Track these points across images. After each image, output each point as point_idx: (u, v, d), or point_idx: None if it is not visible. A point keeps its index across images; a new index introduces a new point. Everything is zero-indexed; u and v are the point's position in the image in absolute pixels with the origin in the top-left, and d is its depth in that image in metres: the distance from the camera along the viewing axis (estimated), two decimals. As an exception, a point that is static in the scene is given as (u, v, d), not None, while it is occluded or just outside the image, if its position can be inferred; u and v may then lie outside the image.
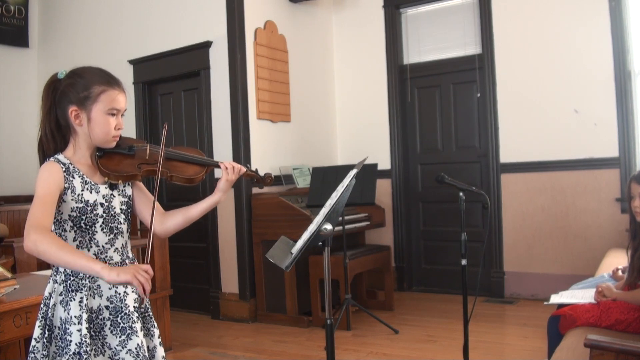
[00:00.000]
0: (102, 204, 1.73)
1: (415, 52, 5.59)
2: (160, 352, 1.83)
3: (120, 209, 1.78)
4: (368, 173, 4.23)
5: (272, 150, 5.02)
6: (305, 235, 1.73)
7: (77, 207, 1.68)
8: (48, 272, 1.96)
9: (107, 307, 1.71)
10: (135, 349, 1.70)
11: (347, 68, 5.84)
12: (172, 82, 5.25)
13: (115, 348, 1.70)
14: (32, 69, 6.07)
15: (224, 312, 4.84)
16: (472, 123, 5.30)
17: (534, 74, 4.88)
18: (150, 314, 1.84)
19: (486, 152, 5.16)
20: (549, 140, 4.82)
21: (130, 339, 1.71)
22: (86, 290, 1.67)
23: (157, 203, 1.83)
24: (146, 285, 1.48)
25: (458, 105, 5.39)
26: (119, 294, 1.73)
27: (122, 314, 1.72)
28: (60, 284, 1.68)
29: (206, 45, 4.88)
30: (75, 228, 1.69)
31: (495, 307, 4.77)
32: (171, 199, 5.11)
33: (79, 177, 1.71)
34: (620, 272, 2.82)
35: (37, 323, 1.68)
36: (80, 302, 1.66)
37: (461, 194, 2.94)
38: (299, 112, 5.34)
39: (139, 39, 5.34)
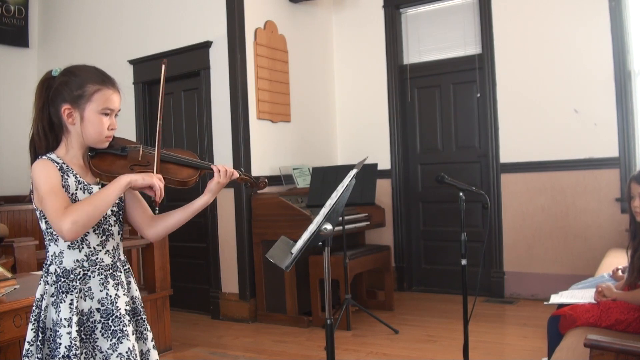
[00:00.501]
0: None
1: (415, 52, 5.59)
2: (154, 355, 1.80)
3: (112, 210, 1.75)
4: (368, 173, 4.23)
5: (272, 150, 5.02)
6: (305, 235, 1.73)
7: None
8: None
9: (98, 310, 1.68)
10: (126, 352, 1.67)
11: (347, 68, 5.85)
12: (172, 82, 5.24)
13: (106, 352, 1.66)
14: (32, 69, 6.07)
15: (224, 312, 4.84)
16: (472, 123, 5.31)
17: (534, 74, 4.88)
18: (144, 317, 1.81)
19: (486, 152, 5.16)
20: (549, 140, 4.82)
21: (121, 343, 1.67)
22: (77, 293, 1.65)
23: (146, 206, 1.83)
24: (162, 191, 1.67)
25: (458, 105, 5.39)
26: (110, 296, 1.70)
27: (113, 317, 1.69)
28: (51, 285, 1.66)
29: (206, 45, 4.88)
30: None
31: (495, 307, 4.77)
32: (171, 199, 5.11)
33: (73, 176, 1.68)
34: (620, 272, 2.82)
35: (30, 326, 1.65)
36: (71, 304, 1.63)
37: (461, 194, 2.94)
38: (299, 112, 5.34)
39: (139, 39, 5.34)
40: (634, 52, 4.53)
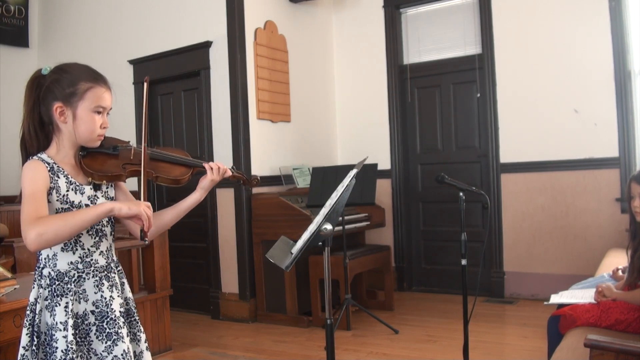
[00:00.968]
0: (87, 206, 1.67)
1: (415, 52, 5.59)
2: (147, 357, 1.78)
3: None
4: (368, 173, 4.23)
5: (272, 150, 5.02)
6: (305, 235, 1.73)
7: (62, 209, 1.63)
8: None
9: (92, 312, 1.66)
10: (122, 355, 1.66)
11: (347, 68, 5.85)
12: (172, 82, 5.25)
13: (101, 354, 1.65)
14: (32, 69, 5.96)
15: (224, 312, 4.84)
16: (472, 123, 5.30)
17: (534, 74, 4.88)
18: (137, 318, 1.79)
19: (486, 152, 5.16)
20: (549, 140, 4.82)
21: (117, 345, 1.66)
22: (72, 295, 1.62)
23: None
24: (151, 220, 1.60)
25: (458, 105, 5.39)
26: (105, 298, 1.68)
27: (108, 319, 1.67)
28: (45, 289, 1.63)
29: (206, 45, 4.88)
30: None
31: (495, 307, 4.77)
32: (171, 199, 5.11)
33: (64, 177, 1.65)
34: (620, 272, 2.82)
35: (25, 330, 1.62)
36: (66, 307, 1.61)
37: (461, 194, 2.94)
38: (299, 112, 5.34)
39: (139, 39, 5.34)
40: (634, 52, 4.53)
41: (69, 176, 1.67)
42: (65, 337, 1.58)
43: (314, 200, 4.33)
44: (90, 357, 1.65)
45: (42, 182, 1.59)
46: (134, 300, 1.81)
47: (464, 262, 2.93)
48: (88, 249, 1.68)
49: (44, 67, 1.69)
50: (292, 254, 1.72)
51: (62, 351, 1.58)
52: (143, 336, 1.79)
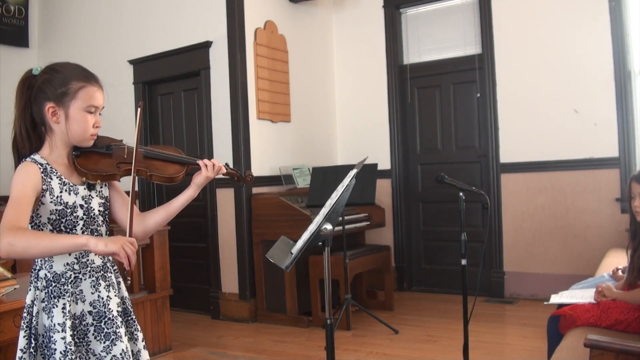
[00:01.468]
0: (81, 206, 1.67)
1: (415, 52, 5.59)
2: (145, 355, 1.78)
3: (99, 210, 1.72)
4: (368, 173, 4.23)
5: (272, 150, 5.02)
6: (305, 235, 1.73)
7: (56, 210, 1.62)
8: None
9: (90, 313, 1.66)
10: (120, 354, 1.66)
11: (347, 68, 5.84)
12: (172, 82, 5.25)
13: (99, 354, 1.65)
14: None
15: (224, 312, 4.84)
16: (472, 123, 5.30)
17: (534, 74, 4.88)
18: (134, 317, 1.79)
19: (486, 152, 5.16)
20: (548, 140, 4.82)
21: (115, 345, 1.66)
22: (69, 296, 1.62)
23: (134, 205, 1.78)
24: (132, 258, 1.49)
25: (458, 105, 5.39)
26: (102, 298, 1.68)
27: (106, 319, 1.67)
28: (42, 291, 1.62)
29: (206, 45, 4.88)
30: (55, 232, 1.63)
31: (495, 307, 4.77)
32: (171, 197, 5.11)
33: (57, 178, 1.64)
34: (620, 272, 2.82)
35: (22, 333, 1.61)
36: (64, 308, 1.60)
37: (461, 194, 2.94)
38: (299, 112, 5.34)
39: (139, 39, 5.34)
40: (634, 52, 4.53)
41: (62, 177, 1.66)
42: (63, 338, 1.58)
43: (314, 200, 4.33)
44: (89, 358, 1.65)
45: (31, 187, 1.57)
46: (130, 299, 1.81)
47: (464, 262, 2.93)
48: (84, 250, 1.67)
49: (34, 67, 1.67)
50: (292, 254, 1.72)
51: (60, 352, 1.57)
52: (140, 335, 1.79)
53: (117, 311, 1.71)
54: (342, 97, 5.88)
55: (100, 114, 1.71)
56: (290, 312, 4.51)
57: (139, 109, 1.73)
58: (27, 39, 6.10)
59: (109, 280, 1.73)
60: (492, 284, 5.09)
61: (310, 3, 5.48)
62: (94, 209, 1.71)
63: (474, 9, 5.20)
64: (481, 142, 5.25)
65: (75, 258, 1.66)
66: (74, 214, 1.65)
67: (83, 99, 1.64)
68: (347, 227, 4.43)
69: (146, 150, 1.79)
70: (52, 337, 1.59)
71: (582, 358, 1.98)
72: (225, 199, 4.80)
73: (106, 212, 1.76)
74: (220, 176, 1.91)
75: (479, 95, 5.19)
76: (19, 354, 1.61)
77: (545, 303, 2.82)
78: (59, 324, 1.59)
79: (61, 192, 1.64)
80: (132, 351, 1.74)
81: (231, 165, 1.96)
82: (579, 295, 2.72)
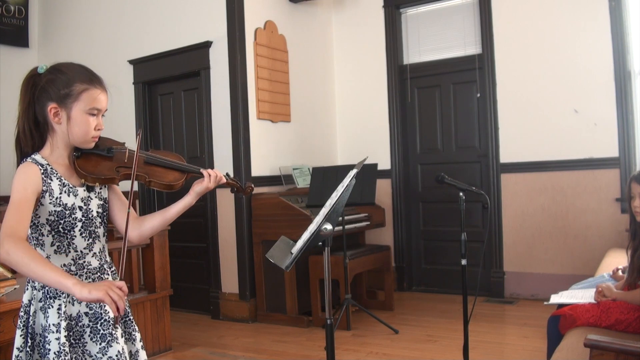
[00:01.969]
0: (80, 208, 1.67)
1: (415, 52, 5.59)
2: (142, 356, 1.78)
3: (97, 212, 1.72)
4: (368, 173, 4.23)
5: (272, 150, 5.02)
6: (305, 235, 1.73)
7: (55, 211, 1.62)
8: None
9: (86, 314, 1.66)
10: (116, 356, 1.65)
11: (347, 68, 5.84)
12: (172, 82, 5.25)
13: (95, 355, 1.64)
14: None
15: (224, 312, 4.84)
16: (472, 123, 5.30)
17: (534, 74, 4.88)
18: (131, 318, 1.79)
19: (486, 152, 5.16)
20: (548, 140, 4.82)
21: (111, 346, 1.65)
22: (65, 297, 1.62)
23: (131, 208, 1.78)
24: (119, 303, 1.41)
25: (458, 105, 5.39)
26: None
27: (102, 321, 1.67)
28: (39, 290, 1.62)
29: (206, 45, 4.88)
30: (53, 232, 1.63)
31: (495, 307, 4.77)
32: (173, 200, 5.11)
33: (57, 179, 1.64)
34: (620, 272, 2.82)
35: (19, 332, 1.61)
36: (59, 309, 1.60)
37: (461, 194, 2.94)
38: (299, 112, 5.34)
39: (139, 39, 5.34)
40: (634, 52, 4.53)
41: (62, 178, 1.66)
42: (57, 339, 1.58)
43: (314, 200, 4.33)
44: (85, 359, 1.65)
45: (32, 190, 1.58)
46: (127, 300, 1.81)
47: (464, 262, 2.93)
48: (81, 251, 1.67)
49: (40, 65, 1.67)
50: (292, 254, 1.72)
51: (54, 353, 1.57)
52: (138, 335, 1.79)
53: None
54: (342, 97, 5.88)
55: (103, 115, 1.71)
56: (290, 312, 4.51)
57: (137, 137, 1.72)
58: (27, 39, 6.10)
59: None
60: (492, 284, 5.09)
61: (310, 3, 5.48)
62: (92, 211, 1.71)
63: (474, 9, 5.20)
64: (481, 142, 5.25)
65: (72, 260, 1.66)
66: (73, 216, 1.65)
67: (86, 101, 1.64)
68: (347, 227, 4.43)
69: (147, 155, 1.78)
70: (47, 337, 1.59)
71: (582, 358, 1.98)
72: (225, 199, 4.79)
73: (105, 213, 1.76)
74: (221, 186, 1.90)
75: (479, 95, 5.19)
76: (15, 352, 1.60)
77: (545, 303, 2.82)
78: (53, 324, 1.59)
79: (60, 193, 1.64)
80: (129, 352, 1.74)
81: (232, 175, 1.95)
82: (579, 295, 2.72)
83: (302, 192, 4.74)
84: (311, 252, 4.42)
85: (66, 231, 1.64)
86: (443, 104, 5.47)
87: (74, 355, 1.62)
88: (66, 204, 1.64)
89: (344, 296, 4.26)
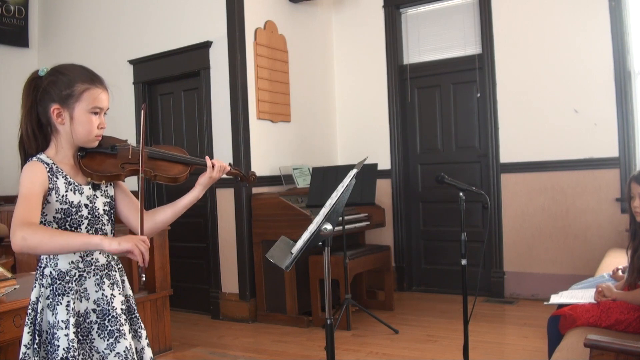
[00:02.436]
0: (86, 205, 1.70)
1: (415, 52, 5.59)
2: (148, 353, 1.80)
3: (104, 209, 1.74)
4: (368, 173, 4.23)
5: (272, 150, 5.02)
6: (305, 235, 1.73)
7: (61, 209, 1.65)
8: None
9: (94, 311, 1.68)
10: (124, 352, 1.68)
11: (347, 68, 5.84)
12: (172, 82, 5.25)
13: (103, 352, 1.67)
14: (32, 69, 5.96)
15: (224, 312, 4.84)
16: (472, 123, 5.31)
17: (534, 74, 4.88)
18: (137, 315, 1.81)
19: (486, 152, 5.16)
20: (548, 140, 4.82)
21: (119, 342, 1.68)
22: (73, 294, 1.64)
23: (137, 203, 1.79)
24: (146, 255, 1.52)
25: (458, 105, 5.39)
26: (106, 296, 1.70)
27: (110, 317, 1.69)
28: (46, 288, 1.65)
29: (206, 45, 4.88)
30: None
31: (495, 307, 4.77)
32: (170, 199, 5.11)
33: (63, 177, 1.67)
34: (620, 272, 2.82)
35: (26, 329, 1.64)
36: (67, 306, 1.62)
37: (461, 194, 2.94)
38: (299, 112, 5.34)
39: (139, 39, 5.34)
40: (634, 52, 4.53)
41: (68, 176, 1.68)
42: (66, 335, 1.60)
43: (314, 200, 4.33)
44: (92, 355, 1.67)
45: (39, 184, 1.60)
46: (134, 298, 1.83)
47: (464, 262, 2.93)
48: (97, 249, 1.68)
49: (41, 68, 1.69)
50: (292, 254, 1.72)
51: (63, 349, 1.59)
52: (144, 333, 1.81)
53: (121, 309, 1.73)
54: (342, 97, 5.88)
55: (105, 114, 1.73)
56: (290, 312, 4.51)
57: (142, 111, 1.75)
58: (27, 39, 6.11)
59: (113, 279, 1.74)
60: (492, 284, 5.09)
61: (310, 3, 5.47)
62: (98, 209, 1.73)
63: (474, 9, 5.20)
64: (481, 142, 5.25)
65: (80, 257, 1.68)
66: (79, 213, 1.68)
67: (87, 100, 1.66)
68: (347, 227, 4.43)
69: (150, 150, 1.80)
70: (56, 333, 1.61)
71: (582, 358, 1.98)
72: (225, 199, 4.79)
73: (111, 211, 1.79)
74: (224, 176, 1.92)
75: (479, 95, 5.19)
76: (22, 349, 1.63)
77: (545, 303, 2.82)
78: (62, 321, 1.61)
79: (66, 191, 1.67)
80: (135, 349, 1.76)
81: (234, 166, 1.97)
82: (579, 295, 2.72)
83: (302, 192, 4.74)
84: (311, 252, 4.42)
85: (73, 229, 1.67)
86: (443, 104, 5.47)
87: (81, 352, 1.64)
88: (72, 202, 1.67)
89: (344, 296, 4.26)
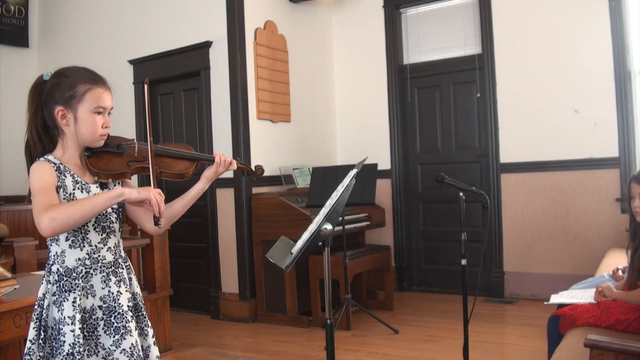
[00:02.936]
0: None
1: (415, 52, 5.59)
2: (154, 351, 1.81)
3: (112, 207, 1.76)
4: (368, 173, 4.23)
5: (272, 150, 5.02)
6: (305, 235, 1.73)
7: None
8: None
9: (100, 307, 1.70)
10: (130, 348, 1.70)
11: (347, 68, 5.84)
12: (172, 82, 5.25)
13: (109, 348, 1.69)
14: (32, 69, 6.07)
15: (224, 312, 4.84)
16: (472, 123, 5.31)
17: (534, 74, 4.88)
18: (144, 313, 1.83)
19: (486, 152, 5.16)
20: (548, 140, 4.82)
21: (124, 339, 1.70)
22: (79, 291, 1.67)
23: None
24: (161, 205, 1.64)
25: (458, 105, 5.39)
26: (112, 293, 1.72)
27: (116, 314, 1.71)
28: (53, 284, 1.67)
29: (206, 45, 4.88)
30: None
31: (495, 307, 4.77)
32: (169, 198, 5.11)
33: (70, 176, 1.70)
34: (620, 272, 2.82)
35: (32, 325, 1.67)
36: (74, 302, 1.65)
37: (461, 194, 2.94)
38: (299, 112, 5.34)
39: (139, 39, 5.34)
40: (634, 52, 4.53)
41: (75, 175, 1.71)
42: (72, 331, 1.62)
43: (314, 200, 4.33)
44: (98, 351, 1.68)
45: (50, 178, 1.64)
46: (141, 296, 1.85)
47: (464, 262, 2.93)
48: (95, 246, 1.72)
49: (45, 73, 1.73)
50: (292, 254, 1.72)
51: (69, 345, 1.61)
52: (150, 331, 1.83)
53: (128, 306, 1.75)
54: (342, 97, 5.88)
55: (109, 113, 1.77)
56: (290, 312, 4.51)
57: (145, 85, 1.80)
58: (27, 39, 6.11)
59: (119, 276, 1.76)
60: (492, 284, 5.09)
61: (310, 3, 5.47)
62: None
63: (474, 9, 5.20)
64: (481, 142, 5.25)
65: (87, 254, 1.71)
66: None
67: (90, 100, 1.69)
68: (347, 227, 4.43)
69: (156, 147, 1.82)
70: (62, 329, 1.63)
71: (582, 358, 1.98)
72: (225, 199, 4.80)
73: (119, 209, 1.81)
74: (231, 172, 1.95)
75: (479, 95, 5.19)
76: (27, 344, 1.65)
77: (545, 303, 2.82)
78: (69, 317, 1.64)
79: (74, 189, 1.69)
80: (141, 346, 1.77)
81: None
82: (579, 295, 2.72)
83: (302, 192, 4.74)
84: (311, 252, 4.42)
85: (80, 226, 1.69)
86: (443, 104, 5.47)
87: (87, 348, 1.66)
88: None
89: (344, 296, 4.26)
